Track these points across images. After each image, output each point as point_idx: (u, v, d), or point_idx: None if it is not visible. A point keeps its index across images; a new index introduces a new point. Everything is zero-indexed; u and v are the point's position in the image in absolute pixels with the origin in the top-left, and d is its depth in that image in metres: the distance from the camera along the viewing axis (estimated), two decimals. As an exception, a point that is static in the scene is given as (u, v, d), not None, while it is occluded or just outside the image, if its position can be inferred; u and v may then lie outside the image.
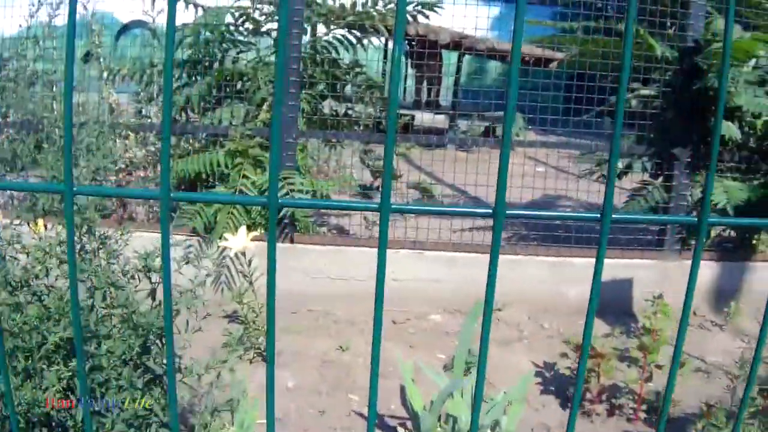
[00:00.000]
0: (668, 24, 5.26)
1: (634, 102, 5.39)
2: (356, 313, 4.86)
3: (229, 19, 5.44)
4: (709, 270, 5.20)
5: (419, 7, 5.29)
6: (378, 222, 3.20)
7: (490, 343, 2.94)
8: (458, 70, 13.35)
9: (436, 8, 5.27)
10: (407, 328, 4.67)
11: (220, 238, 4.38)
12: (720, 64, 3.38)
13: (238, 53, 5.58)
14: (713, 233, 5.29)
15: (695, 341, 4.72)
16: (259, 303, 4.00)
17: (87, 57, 5.65)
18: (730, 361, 4.43)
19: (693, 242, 5.18)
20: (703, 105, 5.05)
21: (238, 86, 5.33)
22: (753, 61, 5.03)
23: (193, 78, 5.49)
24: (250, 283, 3.72)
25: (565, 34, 5.51)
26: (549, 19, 6.06)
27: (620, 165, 5.45)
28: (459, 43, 11.08)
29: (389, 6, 5.28)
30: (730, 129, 4.79)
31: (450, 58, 13.33)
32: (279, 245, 4.90)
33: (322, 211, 5.64)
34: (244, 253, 3.63)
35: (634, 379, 3.54)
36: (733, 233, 5.49)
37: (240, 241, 3.57)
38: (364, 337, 4.45)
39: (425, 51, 10.46)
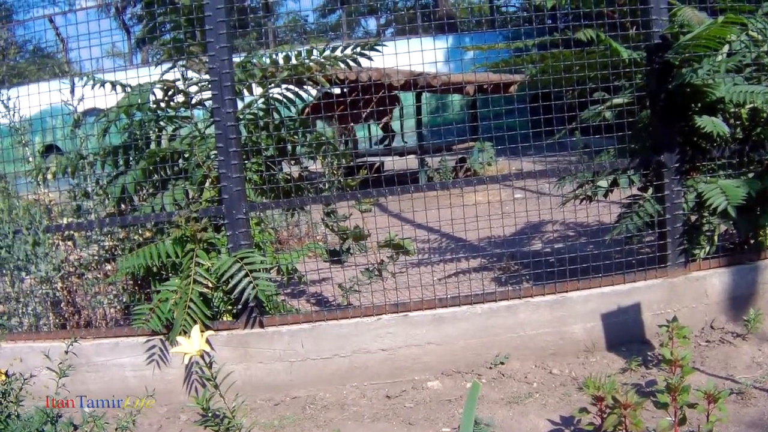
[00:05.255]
0: (629, 24, 4.95)
1: (608, 114, 5.08)
2: (345, 393, 4.51)
3: (158, 94, 5.09)
4: (718, 278, 4.89)
5: (358, 49, 4.95)
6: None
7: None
8: (419, 109, 13.24)
9: (376, 48, 4.94)
10: (404, 402, 4.29)
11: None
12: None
13: (174, 130, 5.22)
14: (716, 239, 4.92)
15: (720, 359, 4.43)
16: (231, 405, 3.55)
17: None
18: (761, 373, 4.19)
19: (697, 252, 4.81)
20: (682, 103, 4.74)
21: (178, 165, 4.95)
22: (726, 48, 4.72)
23: (130, 164, 5.12)
24: (216, 387, 3.29)
25: (521, 53, 5.18)
26: (501, 43, 5.75)
27: (605, 183, 5.12)
28: (415, 82, 10.89)
29: (326, 54, 4.95)
30: (715, 124, 4.48)
31: (408, 98, 13.22)
32: (248, 332, 4.56)
33: (296, 280, 5.24)
34: (202, 356, 3.20)
35: (666, 426, 3.13)
36: (734, 231, 5.18)
37: (194, 344, 3.14)
38: (358, 422, 4.04)
39: (385, 96, 10.23)
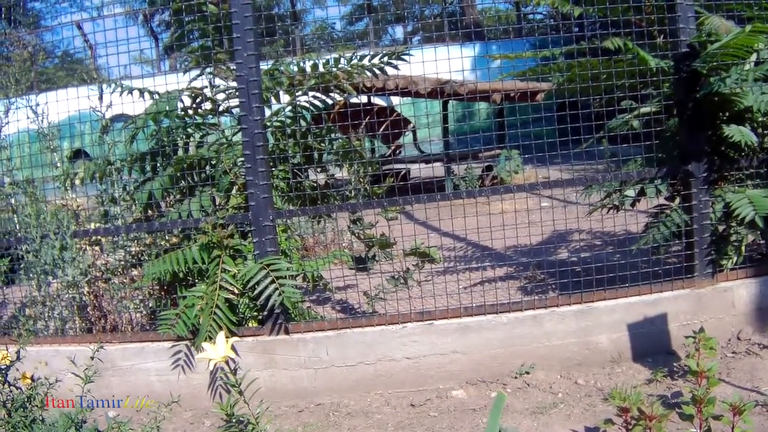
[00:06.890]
0: (656, 33, 4.95)
1: (635, 123, 5.07)
2: (369, 401, 4.53)
3: (186, 101, 5.14)
4: (745, 289, 4.86)
5: (386, 59, 4.98)
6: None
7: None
8: (445, 117, 13.25)
9: (403, 56, 4.96)
10: (428, 410, 4.30)
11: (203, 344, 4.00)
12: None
13: (201, 137, 5.27)
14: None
15: (746, 370, 4.41)
16: (255, 411, 3.58)
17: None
18: (786, 386, 4.17)
19: (725, 262, 4.78)
20: (709, 112, 4.73)
21: (205, 172, 4.99)
22: (754, 56, 4.70)
23: (157, 170, 5.16)
24: (240, 393, 3.31)
25: (548, 62, 5.18)
26: (528, 51, 5.76)
27: (632, 192, 5.11)
28: (441, 90, 10.90)
29: (353, 62, 4.98)
30: (743, 134, 4.46)
31: (434, 106, 13.25)
32: (273, 338, 4.60)
33: (321, 287, 5.27)
34: (227, 362, 3.23)
35: (692, 438, 3.13)
36: (762, 242, 5.17)
37: (219, 350, 3.17)
38: (382, 430, 4.09)
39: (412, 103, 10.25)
